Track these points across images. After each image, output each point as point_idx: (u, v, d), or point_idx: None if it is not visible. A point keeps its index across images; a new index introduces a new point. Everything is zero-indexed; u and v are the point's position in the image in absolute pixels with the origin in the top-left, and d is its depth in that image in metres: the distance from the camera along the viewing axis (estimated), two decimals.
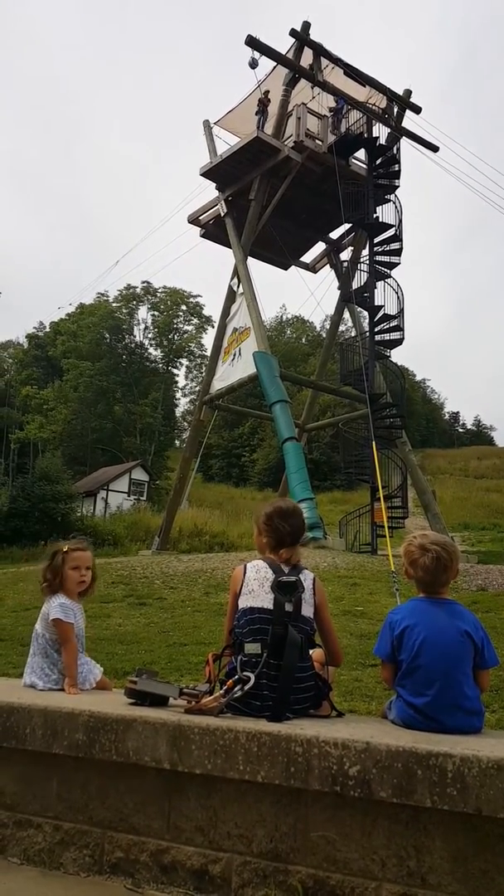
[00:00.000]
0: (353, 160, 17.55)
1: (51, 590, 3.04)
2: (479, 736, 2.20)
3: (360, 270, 17.00)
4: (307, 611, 2.49)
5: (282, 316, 65.39)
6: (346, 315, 20.71)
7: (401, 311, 15.99)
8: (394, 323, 16.04)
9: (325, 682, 2.57)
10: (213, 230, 19.24)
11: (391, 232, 16.34)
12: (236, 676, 2.35)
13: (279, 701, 2.29)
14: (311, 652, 2.54)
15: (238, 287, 17.46)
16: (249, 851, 2.02)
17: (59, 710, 2.31)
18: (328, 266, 20.75)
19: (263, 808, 2.03)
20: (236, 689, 2.30)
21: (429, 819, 1.86)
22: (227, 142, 18.54)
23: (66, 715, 2.29)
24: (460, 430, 74.02)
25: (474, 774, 1.79)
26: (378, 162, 16.87)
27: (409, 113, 18.62)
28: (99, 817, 2.23)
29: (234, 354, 17.13)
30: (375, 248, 16.46)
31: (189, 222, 19.72)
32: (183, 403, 59.11)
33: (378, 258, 16.39)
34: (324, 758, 1.94)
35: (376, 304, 15.97)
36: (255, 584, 2.50)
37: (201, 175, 18.22)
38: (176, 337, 51.74)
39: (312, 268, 21.32)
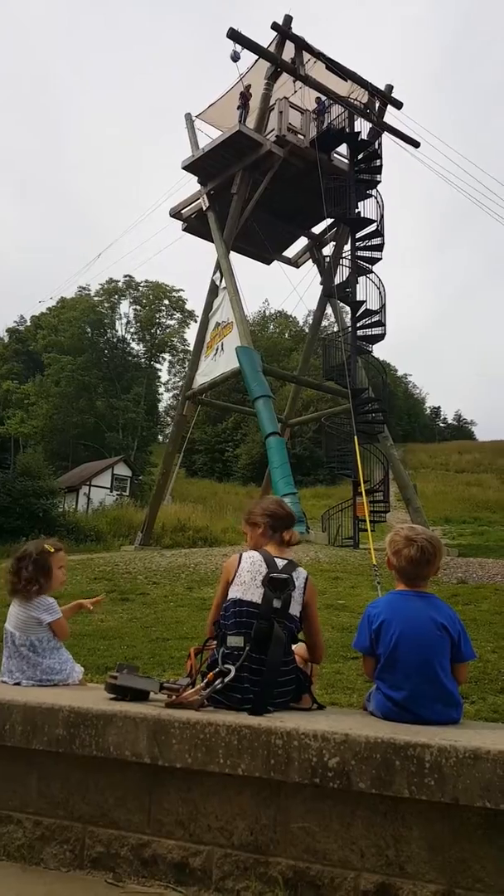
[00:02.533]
0: (335, 155, 17.57)
1: (39, 591, 3.00)
2: (457, 727, 2.22)
3: (342, 265, 17.06)
4: (295, 609, 2.50)
5: (264, 311, 65.31)
6: (329, 310, 20.77)
7: (382, 307, 16.07)
8: (375, 318, 16.11)
9: (307, 676, 2.58)
10: (195, 224, 19.15)
11: (373, 227, 16.39)
12: (217, 669, 2.35)
13: (261, 696, 2.30)
14: (293, 647, 2.56)
15: (220, 282, 17.41)
16: (230, 844, 2.03)
17: (39, 706, 2.30)
18: (310, 261, 20.77)
19: (244, 800, 2.04)
20: (217, 681, 2.31)
21: (407, 809, 1.88)
22: (209, 135, 18.47)
23: (46, 710, 2.28)
24: (441, 424, 74.51)
25: (451, 764, 1.81)
26: (360, 157, 16.90)
27: (390, 108, 18.66)
28: (79, 812, 2.22)
29: (217, 349, 17.10)
30: (357, 244, 16.50)
31: (171, 216, 19.62)
32: (166, 398, 58.90)
33: (360, 253, 16.44)
34: (303, 750, 1.95)
35: (358, 299, 16.03)
36: (248, 575, 2.51)
37: (183, 168, 18.13)
38: (158, 331, 51.50)
39: (295, 263, 21.32)
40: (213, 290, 17.89)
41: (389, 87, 18.65)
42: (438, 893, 1.82)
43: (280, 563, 2.56)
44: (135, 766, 2.15)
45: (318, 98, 17.31)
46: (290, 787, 1.99)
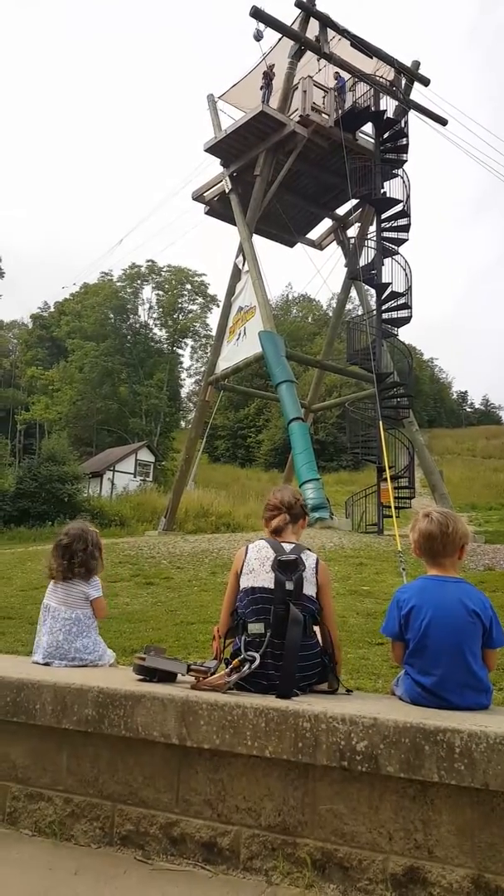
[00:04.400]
0: (360, 134, 17.26)
1: (94, 572, 3.14)
2: (487, 712, 2.20)
3: (368, 247, 16.80)
4: (309, 589, 2.49)
5: (288, 294, 65.04)
6: (353, 293, 20.53)
7: (408, 289, 15.79)
8: (401, 301, 15.85)
9: (332, 658, 2.57)
10: (217, 207, 19.02)
11: (399, 207, 16.09)
12: (241, 656, 2.36)
13: (286, 677, 2.30)
14: (315, 628, 2.55)
15: (243, 265, 17.30)
16: (258, 825, 2.04)
17: (69, 686, 2.33)
18: (335, 243, 20.53)
19: (271, 782, 2.05)
20: (244, 668, 2.31)
21: (436, 793, 1.87)
22: (231, 116, 18.28)
23: (76, 691, 2.31)
24: (468, 409, 73.67)
25: (482, 750, 1.80)
26: (385, 136, 16.58)
27: (417, 85, 18.27)
28: (109, 791, 2.26)
29: (240, 334, 17.03)
30: (383, 225, 16.23)
31: (193, 199, 19.49)
32: (188, 384, 59.08)
33: (385, 234, 16.17)
34: (331, 733, 1.95)
35: (384, 281, 15.77)
36: (256, 563, 2.52)
37: (206, 151, 17.97)
38: (181, 317, 51.52)
39: (319, 245, 21.08)
40: (236, 274, 17.78)
41: (416, 64, 18.25)
42: (467, 878, 1.82)
43: (287, 546, 2.56)
44: (163, 746, 2.17)
45: (336, 73, 16.94)
46: (318, 769, 1.99)
